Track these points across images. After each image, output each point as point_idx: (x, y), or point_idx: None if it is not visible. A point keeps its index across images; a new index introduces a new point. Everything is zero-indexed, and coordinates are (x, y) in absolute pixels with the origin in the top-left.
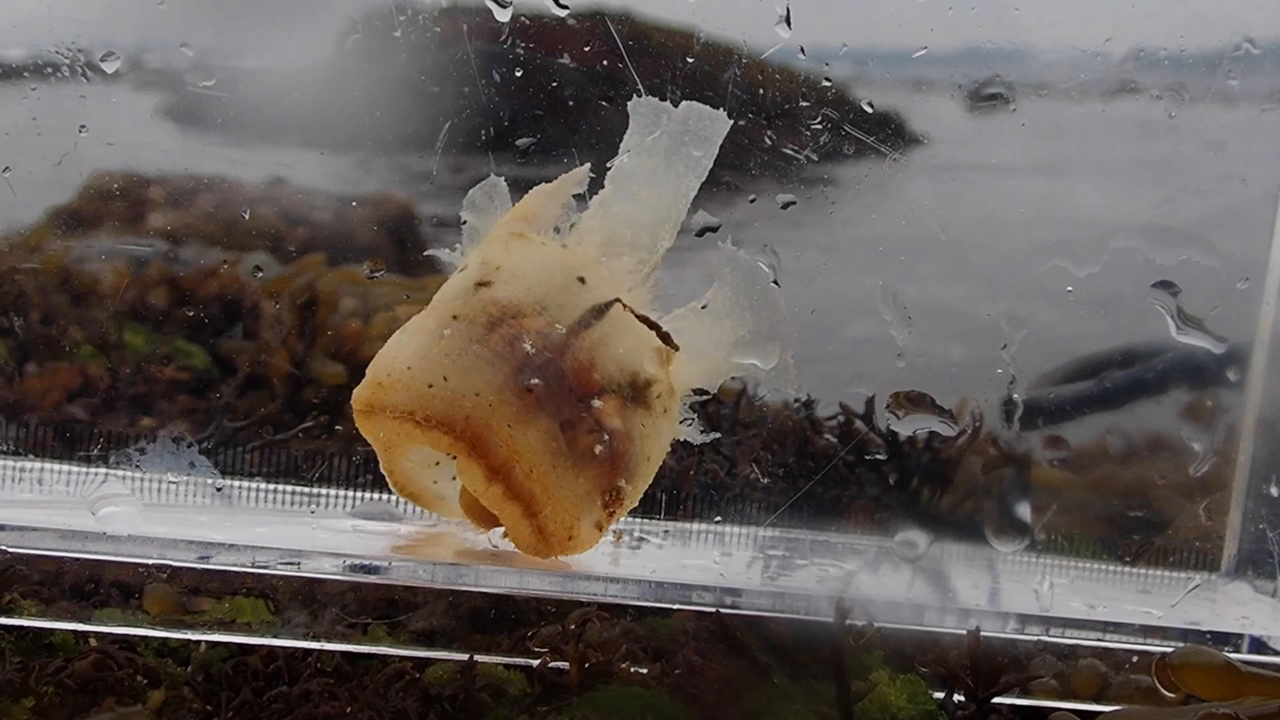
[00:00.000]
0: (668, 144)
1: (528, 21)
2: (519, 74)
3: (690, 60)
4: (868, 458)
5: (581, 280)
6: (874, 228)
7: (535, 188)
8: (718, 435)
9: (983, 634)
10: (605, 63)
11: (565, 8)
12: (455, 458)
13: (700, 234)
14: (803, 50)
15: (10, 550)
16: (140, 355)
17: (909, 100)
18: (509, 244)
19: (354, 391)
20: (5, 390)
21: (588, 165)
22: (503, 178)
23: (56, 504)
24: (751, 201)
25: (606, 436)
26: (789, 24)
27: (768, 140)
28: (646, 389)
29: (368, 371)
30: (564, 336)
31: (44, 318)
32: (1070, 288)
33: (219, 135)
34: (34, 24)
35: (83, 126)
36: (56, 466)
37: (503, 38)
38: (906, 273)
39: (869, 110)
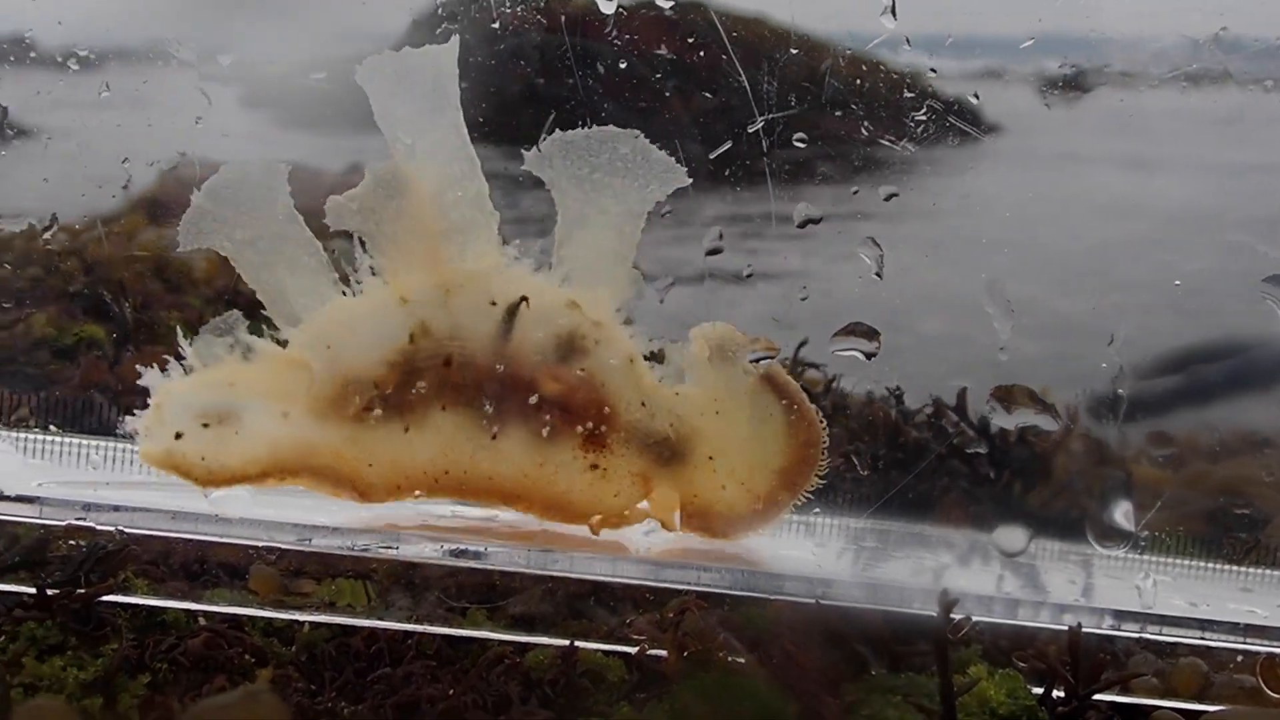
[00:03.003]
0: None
1: (626, 12)
2: (622, 65)
3: (794, 52)
4: (969, 451)
5: (493, 304)
6: (976, 220)
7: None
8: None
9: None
10: (702, 54)
11: (671, 0)
12: None
13: (802, 225)
14: (908, 41)
15: (126, 531)
16: None
17: (1015, 91)
18: (448, 303)
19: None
20: (107, 374)
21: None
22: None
23: (169, 486)
24: (854, 194)
25: (547, 415)
26: (894, 14)
27: (864, 132)
28: (571, 339)
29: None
30: (493, 359)
31: (142, 304)
32: (1178, 281)
33: (303, 124)
34: (146, 14)
35: (199, 119)
36: None
37: (607, 30)
38: (1010, 266)
39: (974, 101)
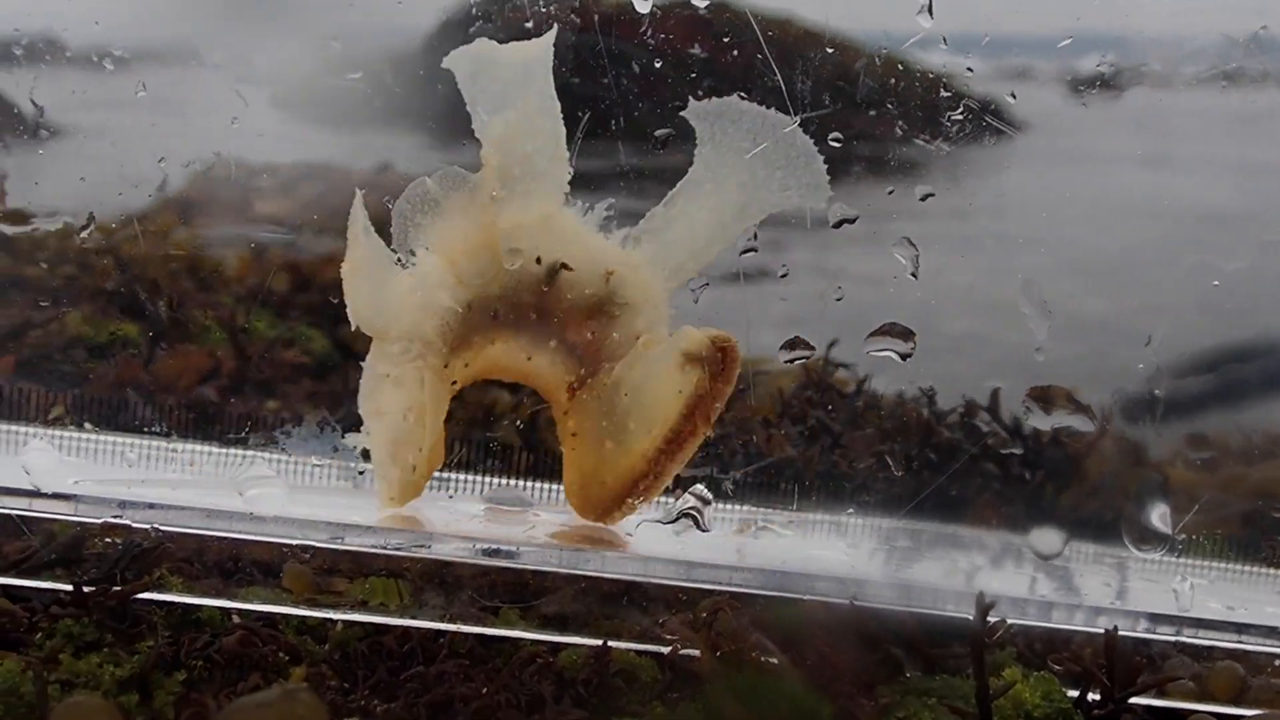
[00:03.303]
0: (514, 89)
1: (660, 12)
2: (657, 65)
3: (829, 51)
4: (1002, 452)
5: (537, 260)
6: (1011, 220)
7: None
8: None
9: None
10: (736, 53)
11: None
12: None
13: (838, 225)
14: (945, 40)
15: (162, 529)
16: (265, 340)
17: (1050, 90)
18: (499, 270)
19: None
20: (141, 372)
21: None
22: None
23: (204, 484)
24: (889, 193)
25: (563, 358)
26: (930, 13)
27: (899, 131)
28: (600, 302)
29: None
30: (530, 309)
31: (175, 303)
32: (1217, 282)
33: (334, 123)
34: (180, 15)
35: (235, 119)
36: (202, 448)
37: (642, 29)
38: (1044, 265)
39: (1011, 100)
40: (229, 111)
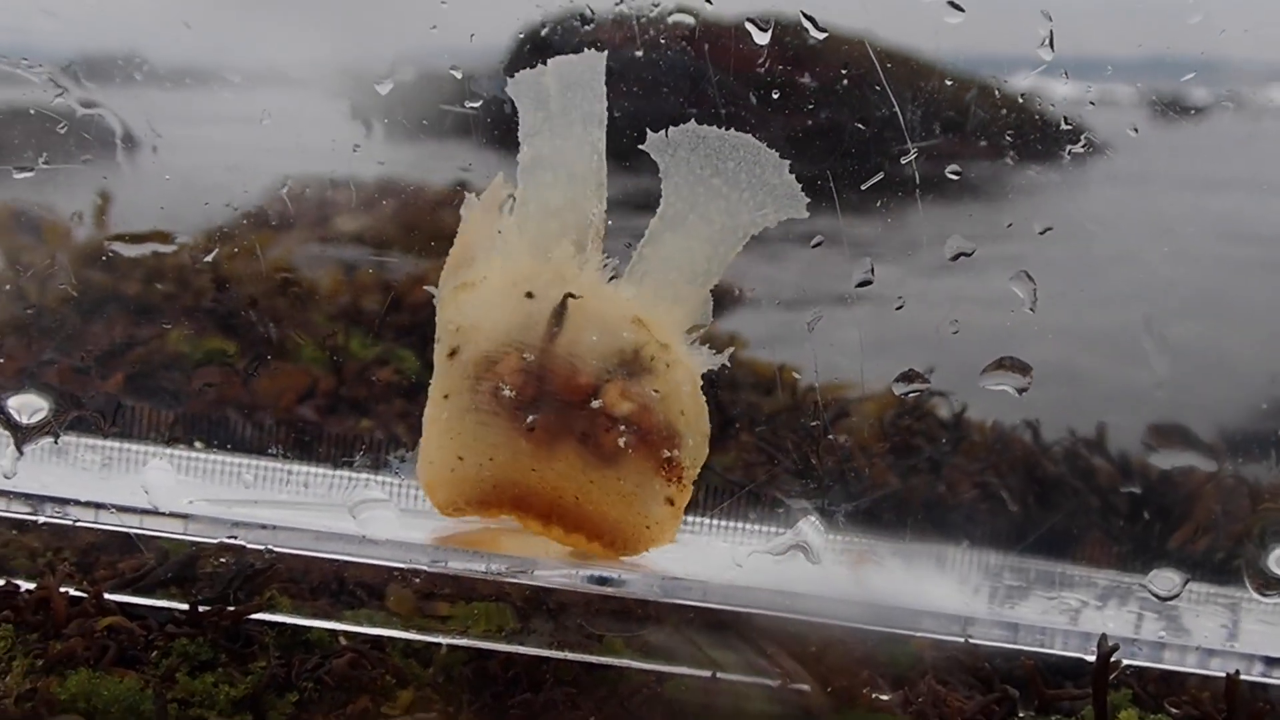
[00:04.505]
0: (555, 112)
1: (777, 46)
2: (774, 96)
3: (948, 83)
4: (1114, 490)
5: (529, 295)
6: (1127, 253)
7: (462, 222)
8: (730, 352)
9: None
10: (848, 83)
11: (824, 31)
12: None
13: (955, 259)
14: (1066, 74)
15: (275, 550)
16: (359, 360)
17: (1169, 124)
18: (456, 301)
19: None
20: (242, 391)
21: (500, 175)
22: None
23: (314, 505)
24: (1008, 226)
25: (622, 426)
26: (1052, 46)
27: (1010, 162)
28: (637, 357)
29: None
30: (539, 358)
31: (277, 321)
32: None
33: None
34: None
35: (356, 146)
36: (313, 469)
37: (760, 60)
38: (1163, 299)
39: (1132, 134)
40: (340, 135)
